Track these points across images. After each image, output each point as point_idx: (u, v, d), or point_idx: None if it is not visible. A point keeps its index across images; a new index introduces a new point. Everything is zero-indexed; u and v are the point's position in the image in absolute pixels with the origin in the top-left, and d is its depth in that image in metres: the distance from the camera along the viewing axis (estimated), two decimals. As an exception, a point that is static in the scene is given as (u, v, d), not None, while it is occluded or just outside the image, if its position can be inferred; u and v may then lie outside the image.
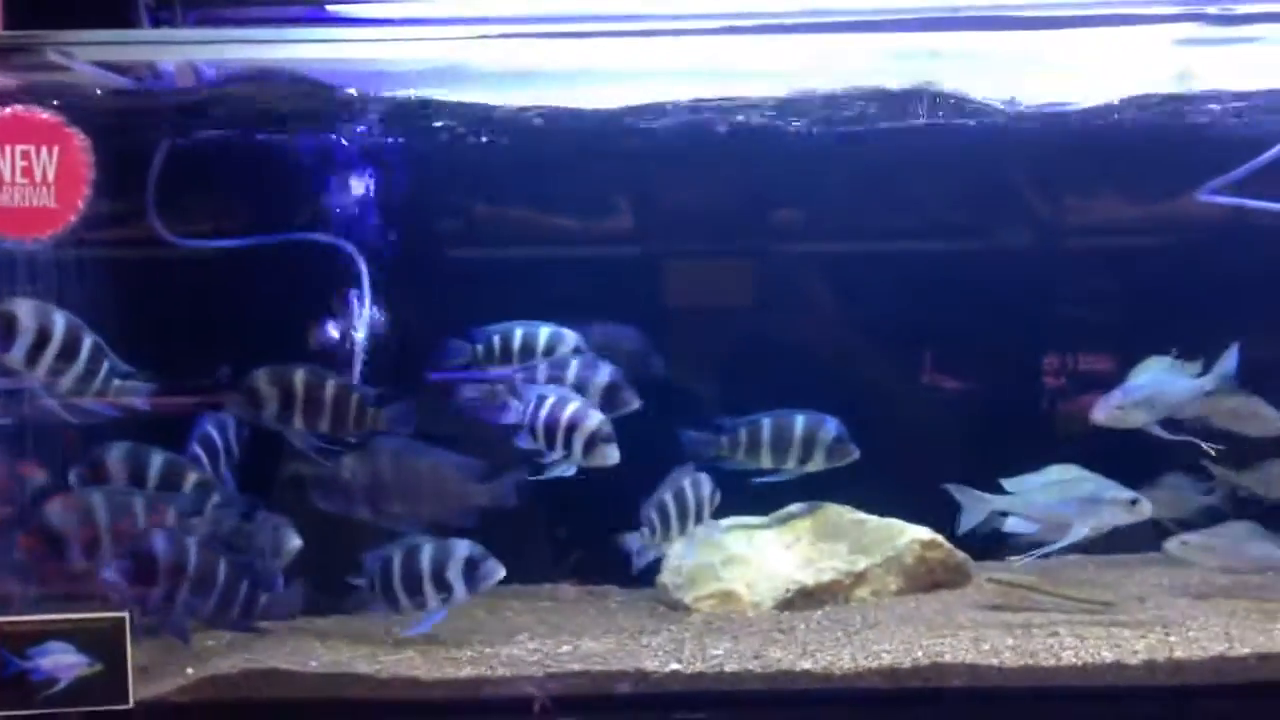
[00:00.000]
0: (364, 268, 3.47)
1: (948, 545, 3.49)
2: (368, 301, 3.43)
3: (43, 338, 2.91)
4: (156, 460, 3.12)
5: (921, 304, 3.73)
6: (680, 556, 3.53)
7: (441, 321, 3.58)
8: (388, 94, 3.26)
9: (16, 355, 2.90)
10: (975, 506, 3.26)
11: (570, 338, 3.39)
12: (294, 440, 3.17)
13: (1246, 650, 2.86)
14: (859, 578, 3.43)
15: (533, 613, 3.43)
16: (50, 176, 2.77)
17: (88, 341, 2.97)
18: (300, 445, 3.17)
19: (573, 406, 3.15)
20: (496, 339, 3.39)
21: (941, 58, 2.84)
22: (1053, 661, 2.87)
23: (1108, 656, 2.86)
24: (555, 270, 3.78)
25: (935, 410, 3.84)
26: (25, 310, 2.91)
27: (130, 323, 3.20)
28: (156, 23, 3.29)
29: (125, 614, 2.77)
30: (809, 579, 3.41)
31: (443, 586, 3.03)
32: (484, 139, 3.38)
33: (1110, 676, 2.83)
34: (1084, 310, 3.86)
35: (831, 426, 3.37)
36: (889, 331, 3.77)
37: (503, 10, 3.23)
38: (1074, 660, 2.86)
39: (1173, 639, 2.93)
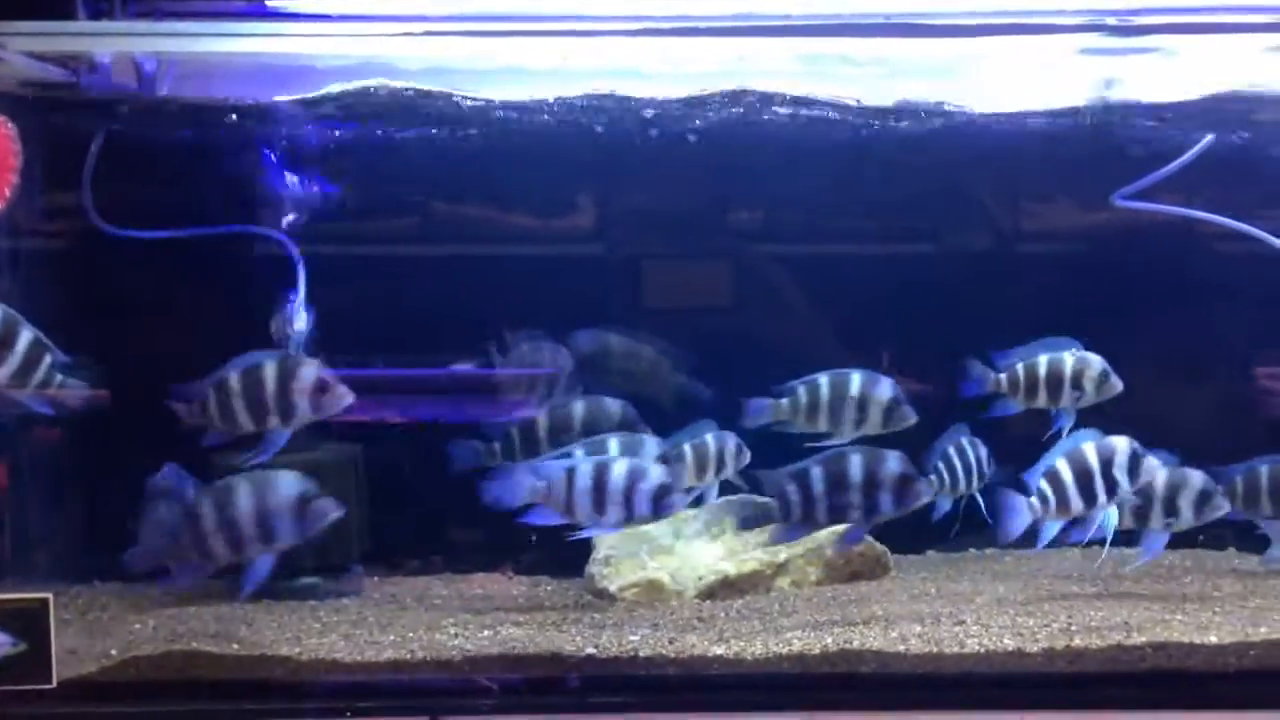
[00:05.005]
0: (300, 260, 3.54)
1: (868, 538, 3.58)
2: (302, 292, 3.49)
3: None
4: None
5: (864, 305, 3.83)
6: (610, 546, 3.61)
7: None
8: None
9: None
10: None
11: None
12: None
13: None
14: (780, 568, 3.52)
15: (460, 599, 3.50)
16: (-23, 164, 2.82)
17: (26, 335, 2.96)
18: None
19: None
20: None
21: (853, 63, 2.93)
22: (956, 649, 2.96)
23: (1009, 644, 2.95)
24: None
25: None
26: None
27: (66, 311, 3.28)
28: (94, 14, 3.34)
29: (49, 595, 2.82)
30: (731, 568, 3.49)
31: None
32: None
33: (1011, 664, 2.93)
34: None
35: (887, 386, 3.32)
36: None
37: (440, 7, 3.31)
38: (977, 648, 2.95)
39: (1073, 628, 3.03)
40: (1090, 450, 3.17)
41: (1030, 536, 3.23)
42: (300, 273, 3.51)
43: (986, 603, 3.29)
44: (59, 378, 3.03)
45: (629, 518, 3.14)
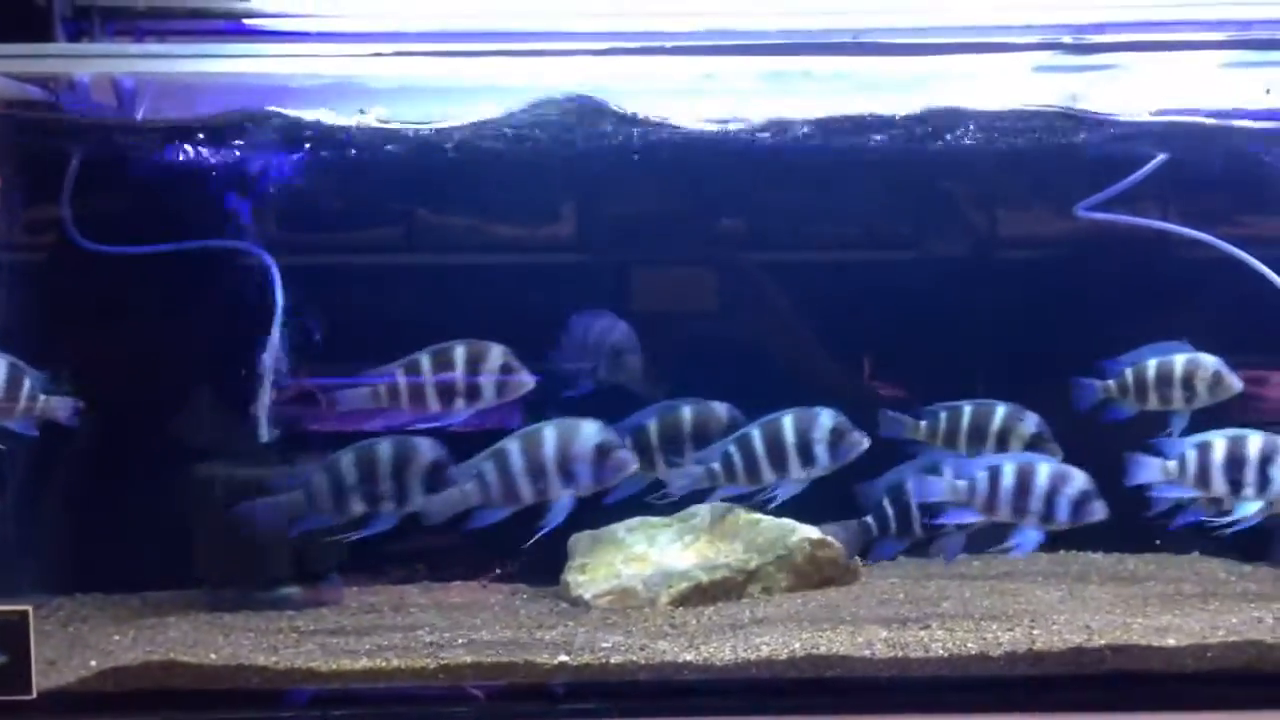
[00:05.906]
0: (277, 274, 3.58)
1: (838, 544, 3.64)
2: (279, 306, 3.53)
3: None
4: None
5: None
6: (584, 555, 3.67)
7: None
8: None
9: None
10: None
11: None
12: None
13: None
14: (751, 575, 3.57)
15: (438, 608, 3.55)
16: (-43, 184, 2.87)
17: (2, 365, 3.03)
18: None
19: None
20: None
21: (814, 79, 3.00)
22: (921, 653, 3.02)
23: (973, 648, 3.01)
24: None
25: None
26: None
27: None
28: (73, 36, 3.39)
29: (29, 607, 2.86)
30: (703, 576, 3.54)
31: None
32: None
33: (975, 667, 2.99)
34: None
35: (1031, 421, 3.34)
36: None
37: (423, 25, 3.37)
38: (941, 652, 3.01)
39: (1036, 631, 3.09)
40: (1254, 439, 3.12)
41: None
42: (277, 285, 3.56)
43: (952, 607, 3.35)
44: (42, 398, 3.10)
45: (1049, 520, 3.10)
